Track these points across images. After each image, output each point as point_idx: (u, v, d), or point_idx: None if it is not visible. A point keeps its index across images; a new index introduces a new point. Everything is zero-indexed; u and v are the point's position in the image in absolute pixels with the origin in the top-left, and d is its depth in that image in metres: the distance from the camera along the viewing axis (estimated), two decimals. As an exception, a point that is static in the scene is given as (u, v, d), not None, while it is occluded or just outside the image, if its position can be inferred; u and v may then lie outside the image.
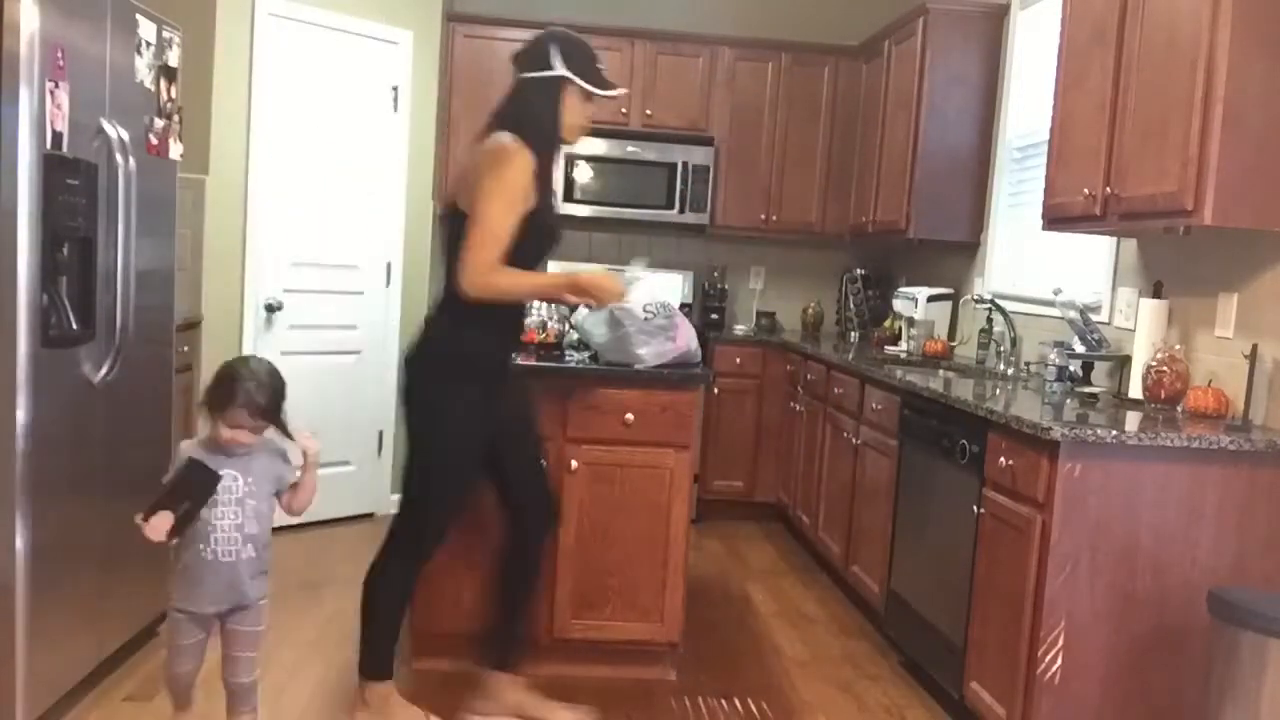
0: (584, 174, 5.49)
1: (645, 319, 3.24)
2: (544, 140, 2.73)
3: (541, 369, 3.24)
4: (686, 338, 3.33)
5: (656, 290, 3.36)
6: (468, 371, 2.77)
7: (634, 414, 3.22)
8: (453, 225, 2.72)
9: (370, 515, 5.09)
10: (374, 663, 2.89)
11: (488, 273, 2.62)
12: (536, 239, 2.72)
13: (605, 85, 2.80)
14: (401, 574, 2.88)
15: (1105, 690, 2.71)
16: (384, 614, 2.89)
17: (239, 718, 2.60)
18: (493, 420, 2.81)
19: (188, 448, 2.48)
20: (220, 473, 2.41)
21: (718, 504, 5.40)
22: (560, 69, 2.74)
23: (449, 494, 2.85)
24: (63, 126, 2.65)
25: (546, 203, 2.76)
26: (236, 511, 2.45)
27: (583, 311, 3.44)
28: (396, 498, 5.02)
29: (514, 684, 3.05)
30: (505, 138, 2.66)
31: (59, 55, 2.62)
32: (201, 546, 2.44)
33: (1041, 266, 4.24)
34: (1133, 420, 2.89)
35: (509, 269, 2.65)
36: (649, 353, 3.23)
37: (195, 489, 2.40)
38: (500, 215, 2.61)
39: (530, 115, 2.72)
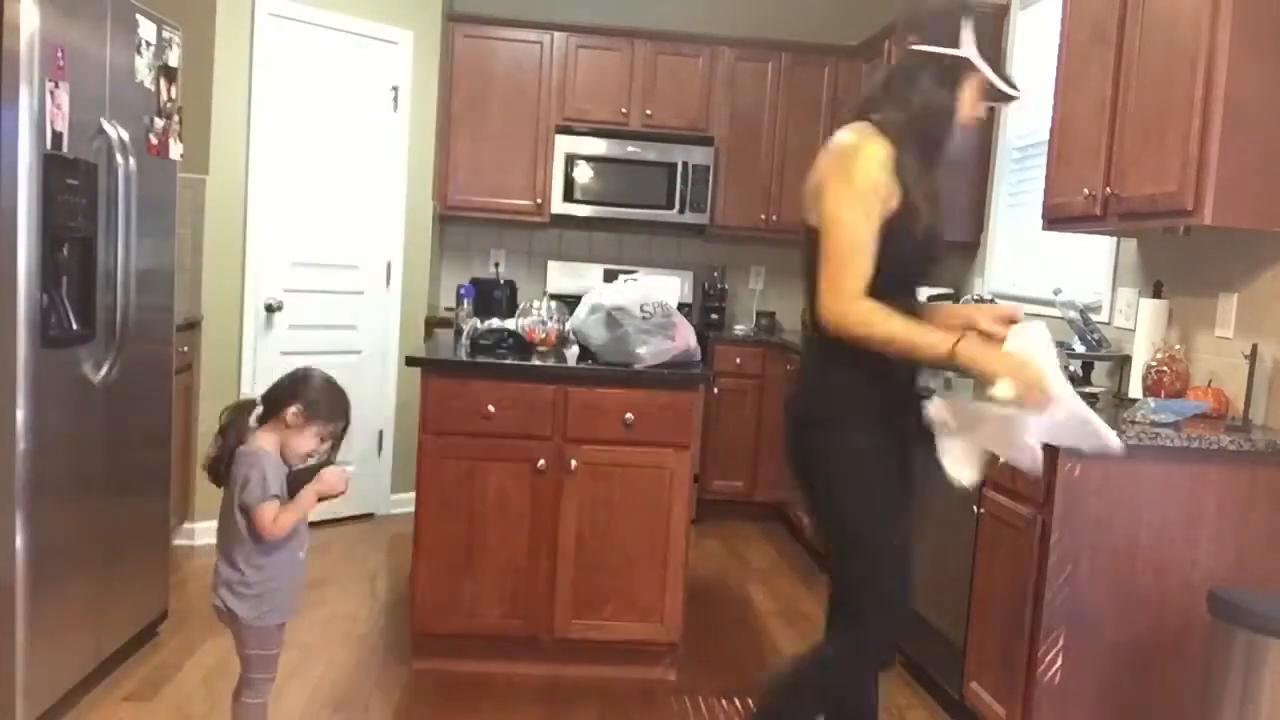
0: (584, 174, 5.49)
1: (643, 318, 3.24)
2: (921, 131, 2.18)
3: (541, 369, 3.24)
4: (685, 336, 3.33)
5: (654, 290, 3.35)
6: (849, 415, 2.23)
7: (634, 414, 3.22)
8: (806, 246, 2.24)
9: (370, 515, 5.09)
10: None
11: (849, 302, 2.11)
12: (907, 253, 2.18)
13: (1012, 85, 2.25)
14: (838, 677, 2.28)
15: (1105, 690, 2.71)
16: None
17: None
18: (895, 473, 2.25)
19: (266, 453, 2.37)
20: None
21: (718, 504, 5.40)
22: (970, 51, 2.18)
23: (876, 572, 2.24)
24: (63, 126, 2.65)
25: (919, 207, 2.15)
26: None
27: (582, 312, 3.44)
28: (396, 497, 5.07)
29: None
30: (853, 128, 2.19)
31: (59, 55, 2.62)
32: (299, 552, 2.47)
33: (1041, 266, 4.24)
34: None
35: (879, 307, 2.10)
36: (648, 352, 3.23)
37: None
38: (852, 226, 2.11)
39: (910, 98, 2.18)
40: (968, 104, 2.23)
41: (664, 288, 3.63)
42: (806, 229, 2.25)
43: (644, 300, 3.27)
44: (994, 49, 2.23)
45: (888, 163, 2.12)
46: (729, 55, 5.57)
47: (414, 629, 3.30)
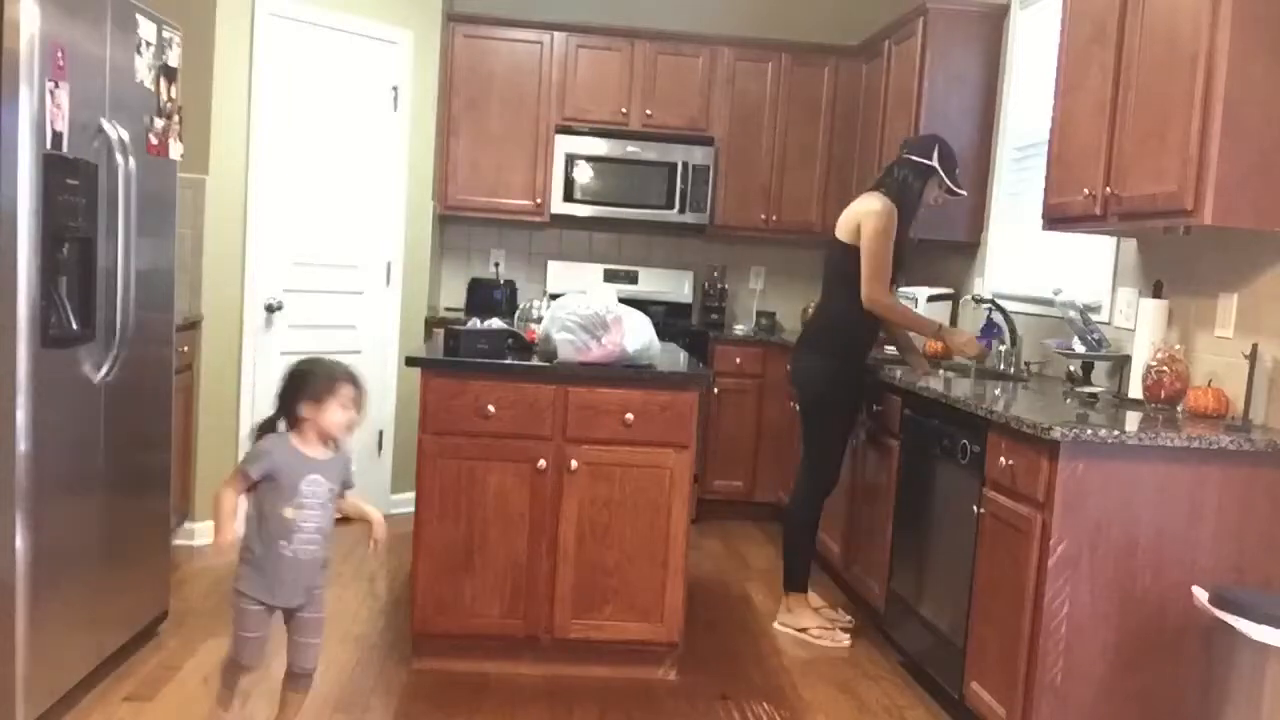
0: (584, 174, 5.49)
1: (579, 316, 3.22)
2: (903, 202, 3.72)
3: (541, 369, 3.24)
4: (620, 342, 3.25)
5: (603, 298, 3.31)
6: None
7: (634, 414, 3.22)
8: (838, 254, 3.77)
9: (370, 515, 5.08)
10: (791, 579, 3.91)
11: (885, 294, 3.71)
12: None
13: (959, 187, 3.78)
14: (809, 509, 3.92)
15: (1105, 690, 2.71)
16: (798, 541, 3.92)
17: (296, 694, 2.67)
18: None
19: (279, 436, 2.56)
20: (311, 477, 2.53)
21: (718, 504, 5.40)
22: (934, 164, 3.71)
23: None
24: (63, 126, 2.65)
25: (901, 241, 3.73)
26: (320, 514, 2.55)
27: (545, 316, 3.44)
28: (396, 497, 5.07)
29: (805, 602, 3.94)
30: (875, 196, 3.73)
31: (59, 55, 2.62)
32: (283, 544, 2.50)
33: (1041, 266, 4.24)
34: (1133, 420, 2.89)
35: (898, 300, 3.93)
36: (570, 347, 3.22)
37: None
38: (883, 250, 3.66)
39: (899, 183, 3.74)
40: (930, 193, 3.78)
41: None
42: (840, 243, 3.77)
43: (581, 306, 3.25)
44: (950, 165, 3.74)
45: (892, 216, 3.68)
46: (729, 55, 5.57)
47: (414, 629, 3.30)
